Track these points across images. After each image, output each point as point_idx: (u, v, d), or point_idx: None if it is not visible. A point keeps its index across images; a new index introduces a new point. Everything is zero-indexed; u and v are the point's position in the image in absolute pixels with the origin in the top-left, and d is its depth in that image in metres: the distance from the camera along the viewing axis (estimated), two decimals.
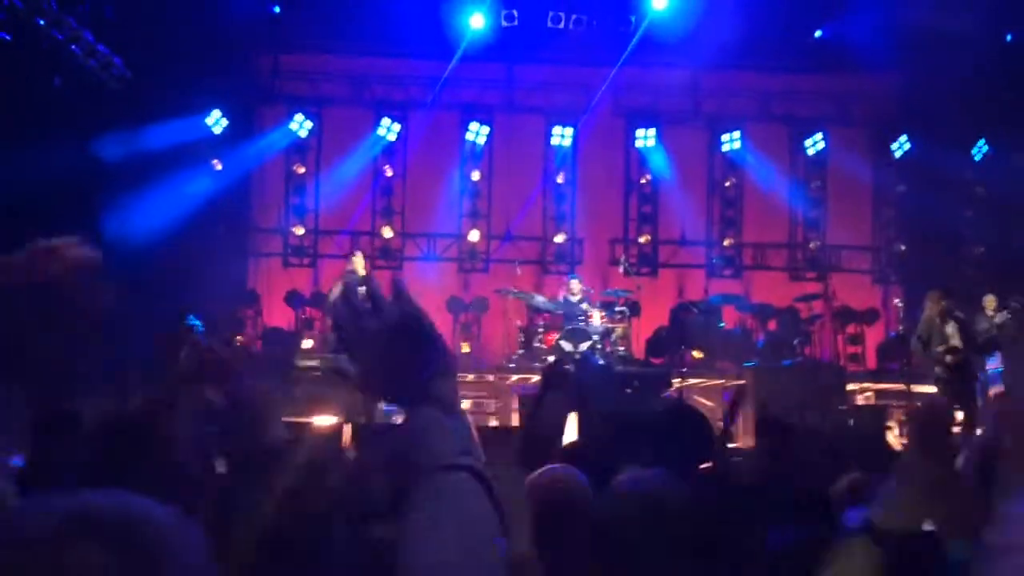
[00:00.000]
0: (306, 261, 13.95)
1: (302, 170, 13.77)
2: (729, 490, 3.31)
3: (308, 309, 13.16)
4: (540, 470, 2.56)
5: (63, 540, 0.90)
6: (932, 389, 10.32)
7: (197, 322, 9.88)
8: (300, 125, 13.44)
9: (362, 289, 10.01)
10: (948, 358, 9.58)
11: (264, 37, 13.10)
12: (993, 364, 10.46)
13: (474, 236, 13.81)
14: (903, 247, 14.12)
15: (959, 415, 9.65)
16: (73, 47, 10.22)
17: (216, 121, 12.75)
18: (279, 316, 13.37)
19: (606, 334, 11.46)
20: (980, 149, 13.53)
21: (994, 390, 10.38)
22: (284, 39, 13.32)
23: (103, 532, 0.91)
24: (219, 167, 12.77)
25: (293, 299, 13.24)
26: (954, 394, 9.60)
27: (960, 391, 9.60)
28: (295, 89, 13.89)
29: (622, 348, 11.72)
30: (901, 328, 12.90)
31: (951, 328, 9.63)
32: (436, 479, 1.15)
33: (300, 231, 13.77)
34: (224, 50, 12.21)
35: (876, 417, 9.98)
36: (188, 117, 12.33)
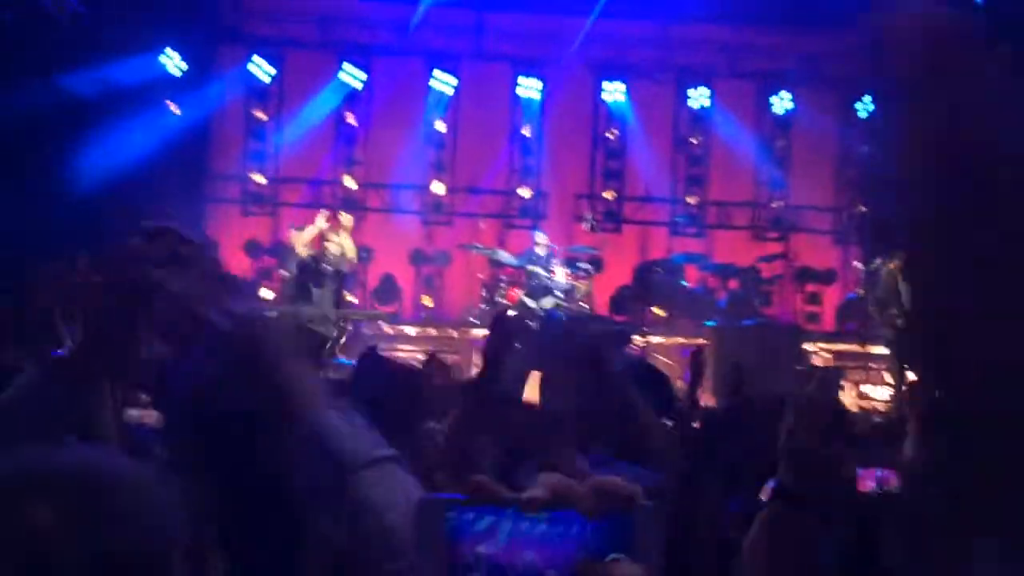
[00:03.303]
0: (266, 209, 13.68)
1: (262, 115, 13.43)
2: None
3: (267, 259, 12.95)
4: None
5: (8, 495, 0.87)
6: (885, 351, 10.50)
7: None
8: (261, 69, 13.07)
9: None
10: (900, 321, 9.70)
11: None
12: None
13: (438, 188, 13.63)
14: (864, 208, 14.21)
15: (910, 376, 9.86)
16: None
17: (173, 62, 12.35)
18: (236, 266, 13.13)
19: (569, 291, 11.44)
20: None
21: None
22: None
23: (56, 491, 0.87)
24: (176, 111, 12.38)
25: (252, 249, 13.01)
26: (905, 356, 9.77)
27: (911, 354, 9.76)
28: (257, 29, 13.47)
29: (585, 305, 11.72)
30: (860, 290, 13.05)
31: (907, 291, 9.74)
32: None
33: (260, 179, 13.47)
34: None
35: (832, 378, 10.13)
36: (144, 56, 11.93)
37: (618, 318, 12.19)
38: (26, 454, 0.91)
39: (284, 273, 10.58)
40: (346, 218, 10.22)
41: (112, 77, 11.13)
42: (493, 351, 3.11)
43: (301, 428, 1.10)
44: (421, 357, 10.05)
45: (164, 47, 12.23)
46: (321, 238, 10.04)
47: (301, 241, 10.12)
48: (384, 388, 3.08)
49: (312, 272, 10.09)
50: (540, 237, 11.76)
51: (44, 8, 10.14)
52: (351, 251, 10.17)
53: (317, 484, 1.08)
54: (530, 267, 11.50)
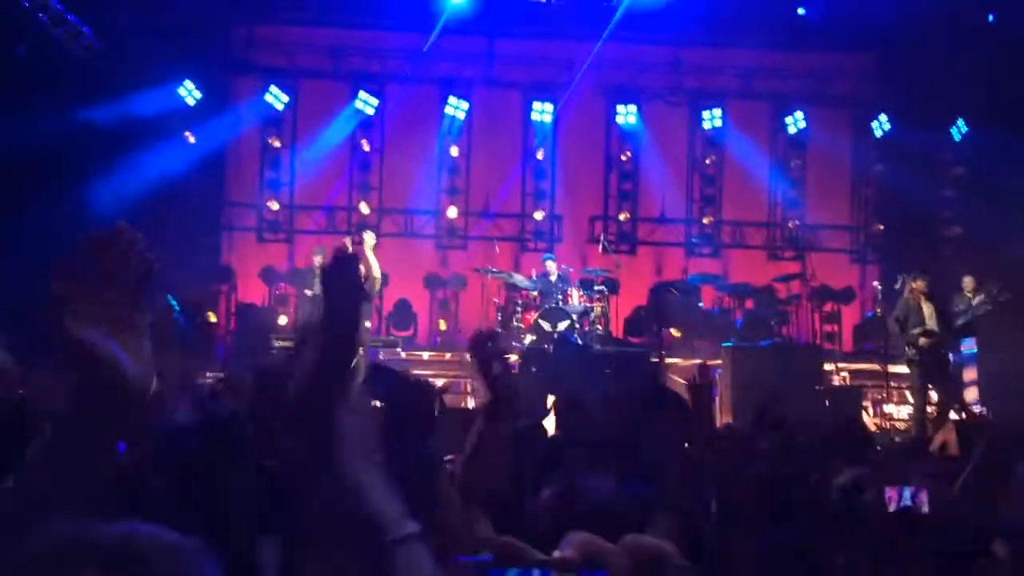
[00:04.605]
0: (281, 236, 13.77)
1: (277, 143, 13.54)
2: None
3: (283, 285, 13.01)
4: None
5: (63, 564, 0.93)
6: (906, 370, 10.37)
7: (173, 302, 9.74)
8: (276, 97, 13.20)
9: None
10: (923, 340, 9.58)
11: (238, 6, 12.82)
12: (968, 345, 10.50)
13: (452, 213, 13.68)
14: (881, 227, 14.14)
15: (933, 395, 9.71)
16: (40, 15, 9.95)
17: (189, 92, 12.49)
18: (254, 292, 13.21)
19: (584, 313, 11.40)
20: (959, 129, 13.53)
21: (968, 372, 10.44)
22: (259, 8, 13.05)
23: (103, 558, 0.93)
24: (192, 140, 12.50)
25: (268, 275, 13.07)
26: (928, 376, 9.64)
27: (934, 373, 9.63)
28: (270, 60, 13.62)
29: (600, 327, 11.66)
30: (879, 309, 12.94)
31: (928, 310, 9.64)
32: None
33: (275, 206, 13.56)
34: (197, 20, 11.93)
35: (852, 398, 10.03)
36: (160, 88, 12.07)
37: (634, 339, 12.13)
38: (77, 525, 0.99)
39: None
40: (369, 236, 10.09)
41: (130, 109, 11.25)
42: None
43: (342, 478, 1.12)
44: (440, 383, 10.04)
45: (181, 79, 12.36)
46: None
47: None
48: (393, 391, 3.10)
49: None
50: (551, 265, 11.71)
51: (59, 42, 10.28)
52: (376, 270, 10.04)
53: (354, 543, 1.10)
54: (545, 290, 11.47)
